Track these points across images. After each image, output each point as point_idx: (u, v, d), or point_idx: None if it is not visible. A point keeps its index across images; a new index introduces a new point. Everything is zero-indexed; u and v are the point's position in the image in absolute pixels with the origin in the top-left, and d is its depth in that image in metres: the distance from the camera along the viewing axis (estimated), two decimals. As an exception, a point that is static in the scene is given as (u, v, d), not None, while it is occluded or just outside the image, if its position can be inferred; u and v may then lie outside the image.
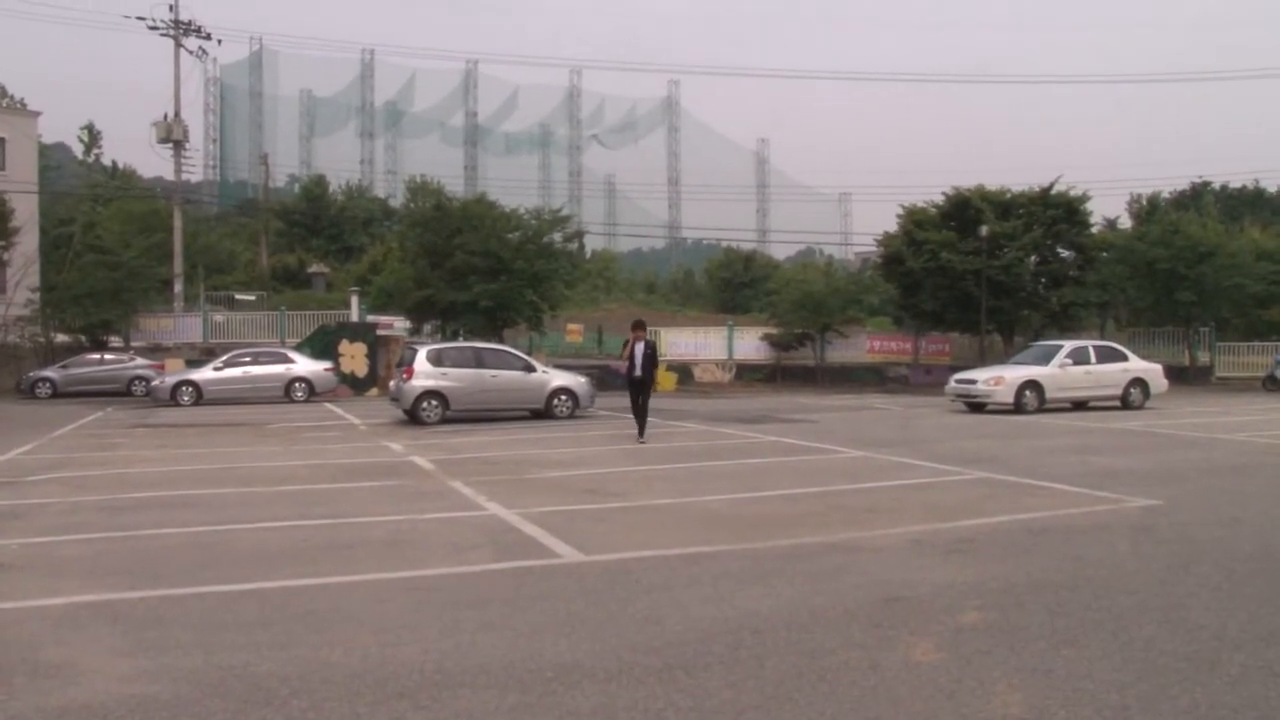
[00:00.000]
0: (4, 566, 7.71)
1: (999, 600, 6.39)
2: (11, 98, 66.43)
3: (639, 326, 17.83)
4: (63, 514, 10.12)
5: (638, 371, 17.30)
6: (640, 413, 17.10)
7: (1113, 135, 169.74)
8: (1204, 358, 39.09)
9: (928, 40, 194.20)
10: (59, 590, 6.91)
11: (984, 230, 34.65)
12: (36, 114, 49.76)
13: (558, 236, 37.10)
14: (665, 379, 37.01)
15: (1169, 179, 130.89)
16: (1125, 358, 24.84)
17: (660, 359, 37.78)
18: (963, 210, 37.14)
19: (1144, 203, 69.48)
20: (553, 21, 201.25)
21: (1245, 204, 72.58)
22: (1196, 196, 71.57)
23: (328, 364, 31.21)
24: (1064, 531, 8.66)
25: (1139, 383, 24.11)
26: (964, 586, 6.76)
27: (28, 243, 39.43)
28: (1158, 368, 25.34)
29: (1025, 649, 5.41)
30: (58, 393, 32.64)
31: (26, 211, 39.62)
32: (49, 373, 33.45)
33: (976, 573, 7.17)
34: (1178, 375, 32.65)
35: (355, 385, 33.34)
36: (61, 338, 37.74)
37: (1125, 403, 23.75)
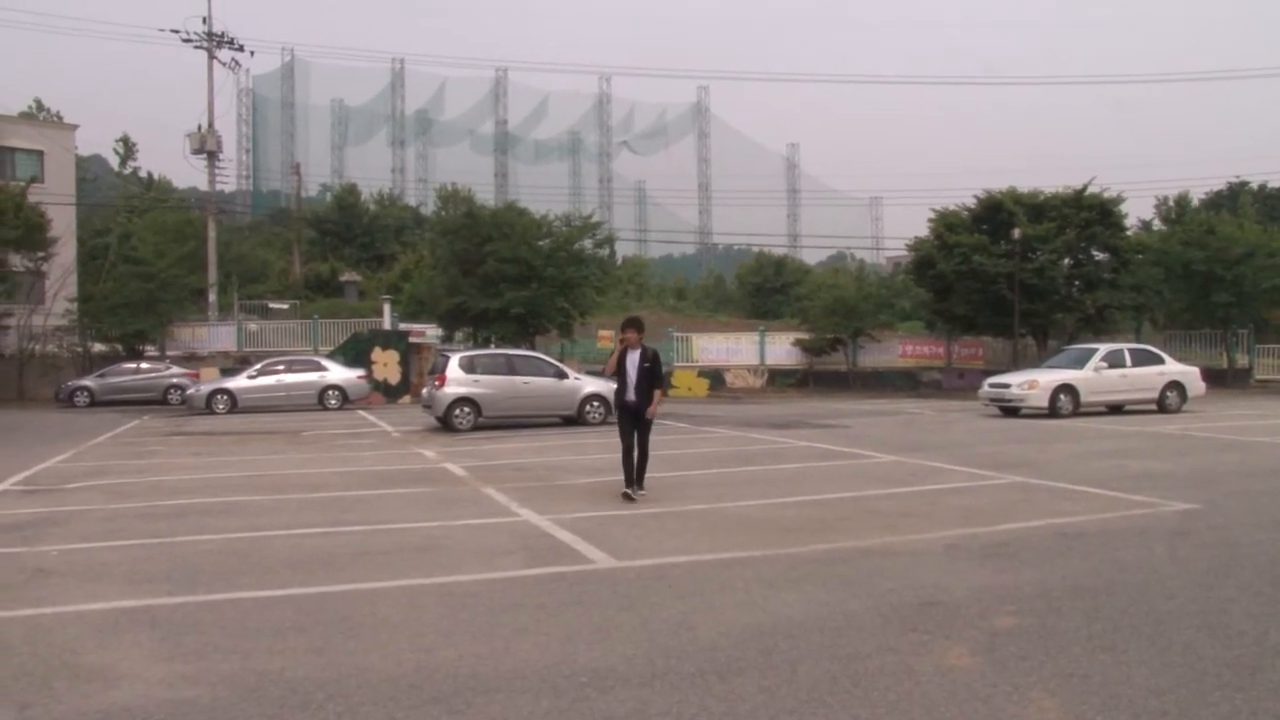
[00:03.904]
0: (45, 572, 7.81)
1: (1034, 605, 6.34)
2: (49, 111, 67.50)
3: (632, 326, 11.55)
4: (102, 520, 10.24)
5: (630, 394, 11.35)
6: (635, 454, 11.29)
7: (1147, 136, 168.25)
8: (1242, 360, 38.55)
9: (958, 43, 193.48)
10: (99, 595, 7.00)
11: (1016, 233, 34.34)
12: (74, 127, 50.46)
13: (588, 243, 37.12)
14: (696, 384, 37.00)
15: (1205, 179, 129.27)
16: (1161, 361, 24.57)
17: (691, 364, 38.30)
18: (995, 213, 36.83)
19: (1171, 204, 68.46)
20: (582, 29, 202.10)
21: (1285, 204, 71.43)
22: (1233, 196, 70.57)
23: (360, 371, 31.45)
24: (1100, 536, 8.58)
25: (1176, 386, 23.85)
26: (999, 591, 6.71)
27: (65, 254, 40.02)
28: (1195, 370, 25.06)
29: (1061, 654, 5.36)
30: (95, 401, 33.08)
31: (64, 223, 40.19)
32: (86, 382, 33.90)
33: (1012, 577, 7.12)
34: (1215, 378, 32.25)
35: (388, 392, 33.56)
36: (99, 347, 38.25)
37: (1162, 406, 23.50)
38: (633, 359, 11.35)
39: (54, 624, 6.31)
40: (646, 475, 11.44)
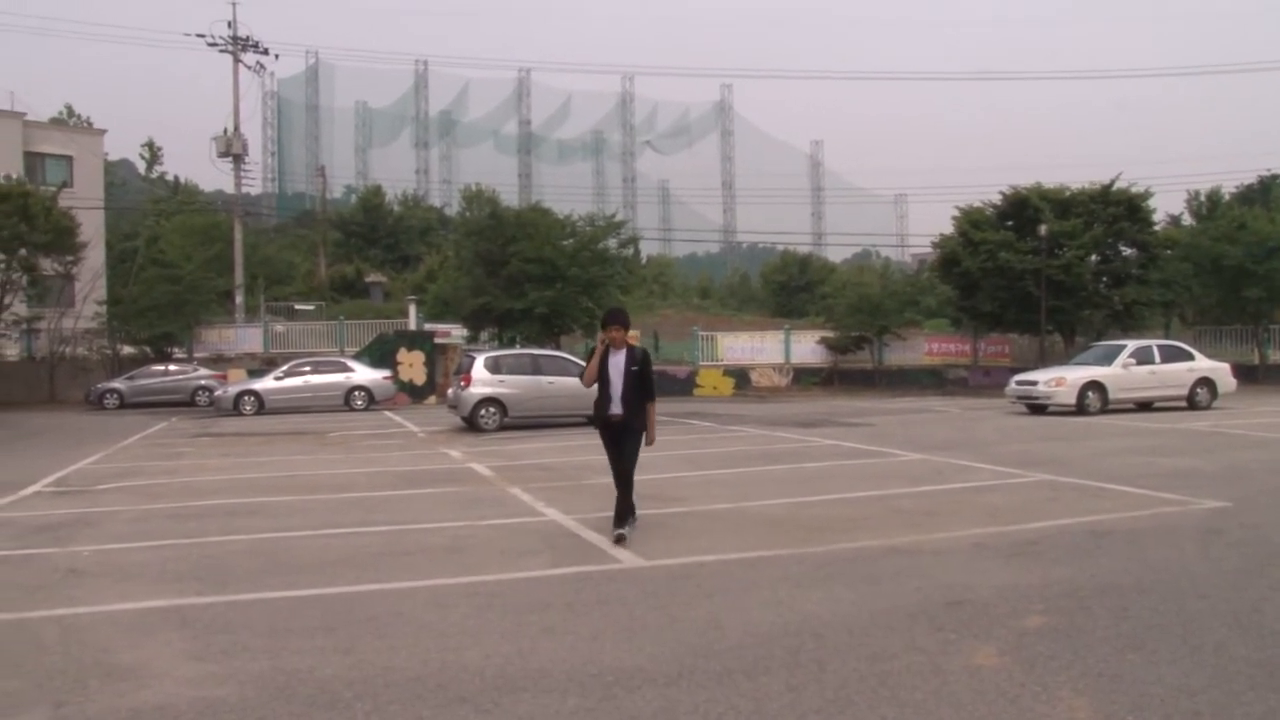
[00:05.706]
0: (78, 572, 7.89)
1: (1063, 604, 6.30)
2: (78, 117, 68.17)
3: (616, 321, 8.84)
4: (132, 521, 10.34)
5: (614, 407, 8.78)
6: (621, 480, 8.81)
7: (1175, 130, 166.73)
8: (1275, 356, 38.16)
9: (979, 38, 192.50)
10: (130, 595, 7.07)
11: (1043, 229, 34.13)
12: (102, 132, 50.99)
13: (612, 242, 37.17)
14: (721, 383, 36.93)
15: (1236, 173, 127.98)
16: (1191, 357, 24.33)
17: (716, 363, 38.27)
18: (1021, 210, 36.63)
19: (1202, 199, 67.73)
20: (603, 29, 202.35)
21: (1317, 196, 70.47)
22: (1265, 190, 69.75)
23: (386, 372, 31.57)
24: (1129, 534, 8.51)
25: (1206, 382, 23.62)
26: (1027, 590, 6.67)
27: (94, 257, 40.32)
28: (1225, 366, 24.80)
29: (1090, 653, 5.32)
30: (124, 403, 33.36)
31: (93, 227, 40.51)
32: (116, 384, 34.19)
33: (1040, 576, 7.07)
34: (1247, 374, 31.88)
35: (414, 393, 33.68)
36: (128, 350, 38.56)
37: (1192, 403, 23.28)
38: (616, 362, 8.84)
39: (87, 623, 6.37)
40: (635, 504, 8.97)
